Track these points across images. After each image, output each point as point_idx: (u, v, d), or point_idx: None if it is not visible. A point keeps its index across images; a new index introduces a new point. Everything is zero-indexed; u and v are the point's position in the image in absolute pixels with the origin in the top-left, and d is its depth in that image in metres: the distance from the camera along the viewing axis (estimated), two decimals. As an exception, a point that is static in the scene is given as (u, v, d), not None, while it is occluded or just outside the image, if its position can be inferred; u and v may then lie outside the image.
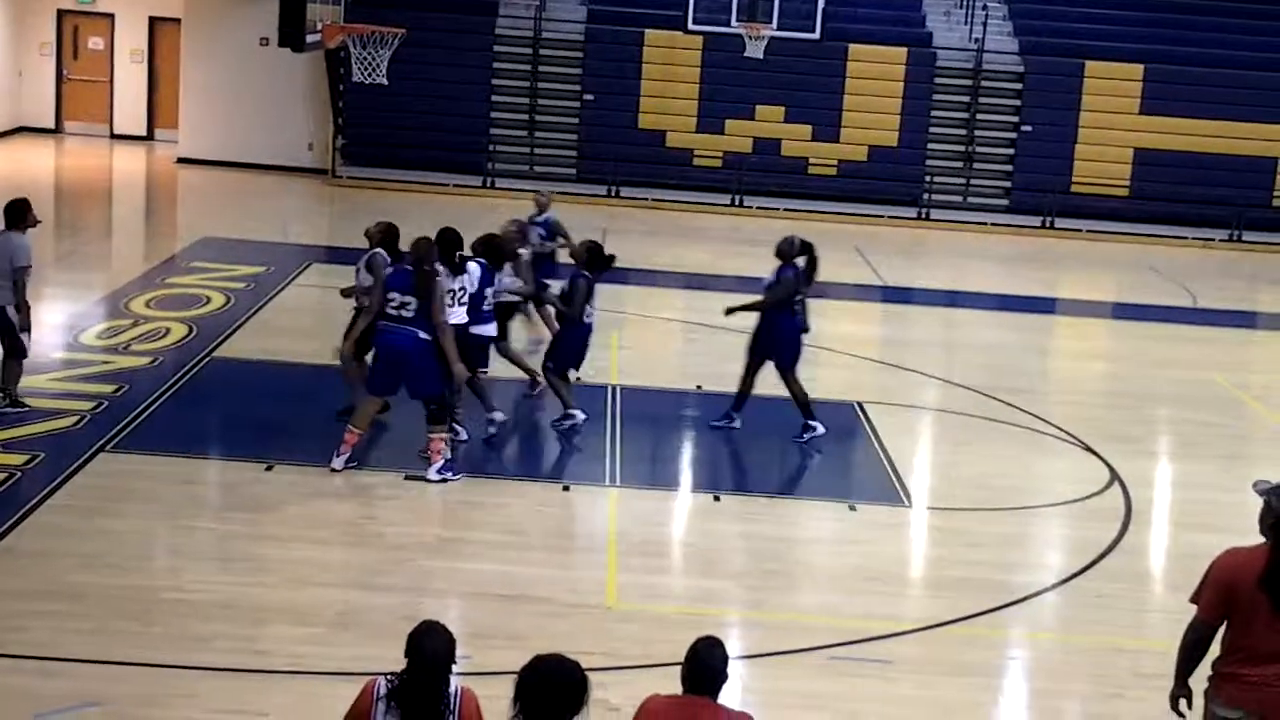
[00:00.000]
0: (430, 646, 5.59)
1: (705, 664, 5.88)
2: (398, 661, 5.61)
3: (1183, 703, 6.75)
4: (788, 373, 13.94)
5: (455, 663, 5.61)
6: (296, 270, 20.44)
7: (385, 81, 22.10)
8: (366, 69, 22.04)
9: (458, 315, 12.52)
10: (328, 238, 25.30)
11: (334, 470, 12.09)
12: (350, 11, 22.18)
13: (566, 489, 12.31)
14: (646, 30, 30.56)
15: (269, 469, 12.11)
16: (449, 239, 12.69)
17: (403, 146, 29.76)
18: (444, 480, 12.02)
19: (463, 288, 12.65)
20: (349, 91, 28.62)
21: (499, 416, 13.43)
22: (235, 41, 29.98)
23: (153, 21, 32.48)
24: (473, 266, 13.00)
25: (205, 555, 10.44)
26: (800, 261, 13.93)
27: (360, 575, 10.20)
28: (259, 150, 30.19)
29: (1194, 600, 6.69)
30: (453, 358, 11.94)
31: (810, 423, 13.90)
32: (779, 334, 13.86)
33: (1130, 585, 11.16)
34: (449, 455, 12.19)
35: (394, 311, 11.92)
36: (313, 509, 11.39)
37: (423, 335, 11.86)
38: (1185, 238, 29.22)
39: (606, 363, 16.05)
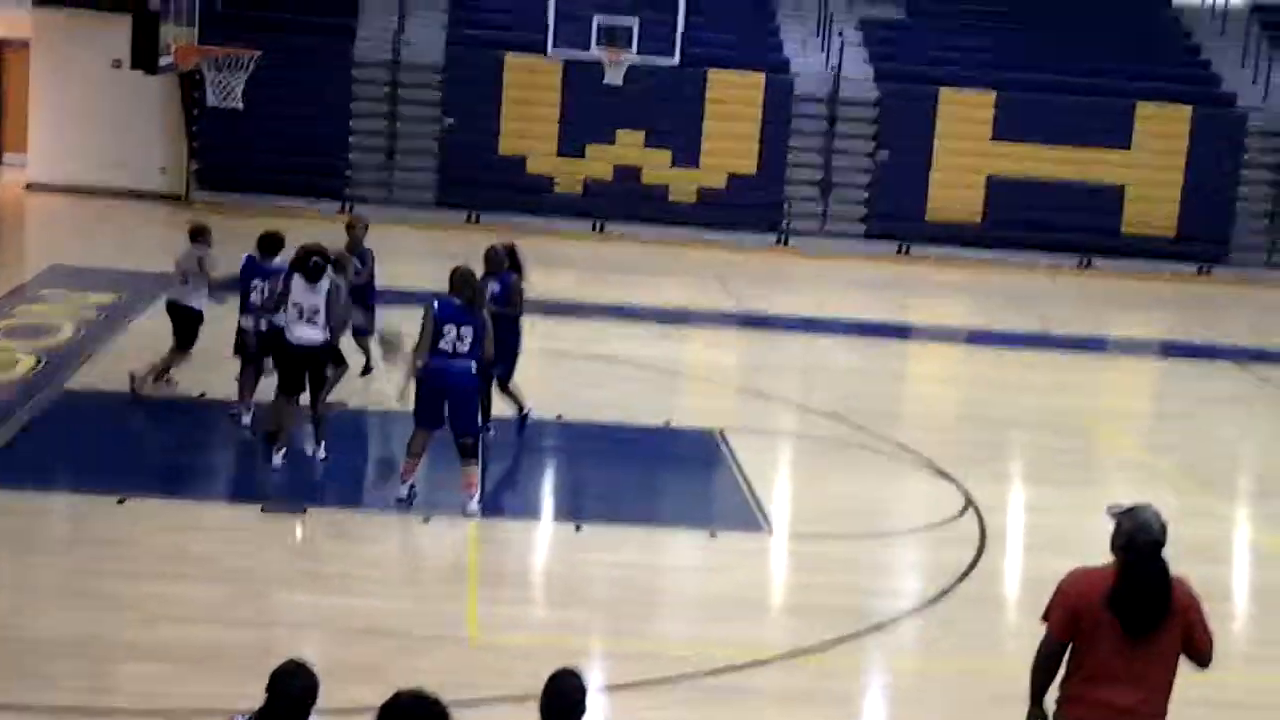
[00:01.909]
0: (293, 685, 5.52)
1: (562, 695, 5.88)
2: (253, 699, 5.51)
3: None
4: (507, 383, 14.11)
5: (315, 701, 5.53)
6: (150, 298, 20.03)
7: (241, 105, 21.82)
8: (222, 92, 21.75)
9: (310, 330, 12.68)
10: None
11: (399, 500, 12.20)
12: (205, 34, 21.84)
13: (426, 520, 12.18)
14: (507, 55, 30.53)
15: (121, 502, 11.83)
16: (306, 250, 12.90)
17: (259, 170, 29.37)
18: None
19: (316, 305, 12.70)
20: (204, 115, 28.20)
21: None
22: (86, 64, 29.38)
23: (1, 44, 31.76)
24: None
25: (52, 591, 10.17)
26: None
27: (215, 611, 10.00)
28: (111, 175, 29.61)
29: (1045, 619, 6.79)
30: None
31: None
32: (507, 345, 13.83)
33: (986, 609, 11.30)
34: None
35: (448, 345, 11.93)
36: (166, 543, 11.15)
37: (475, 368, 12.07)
38: (1037, 263, 29.80)
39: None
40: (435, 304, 12.09)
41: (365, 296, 15.50)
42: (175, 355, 14.94)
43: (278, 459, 12.95)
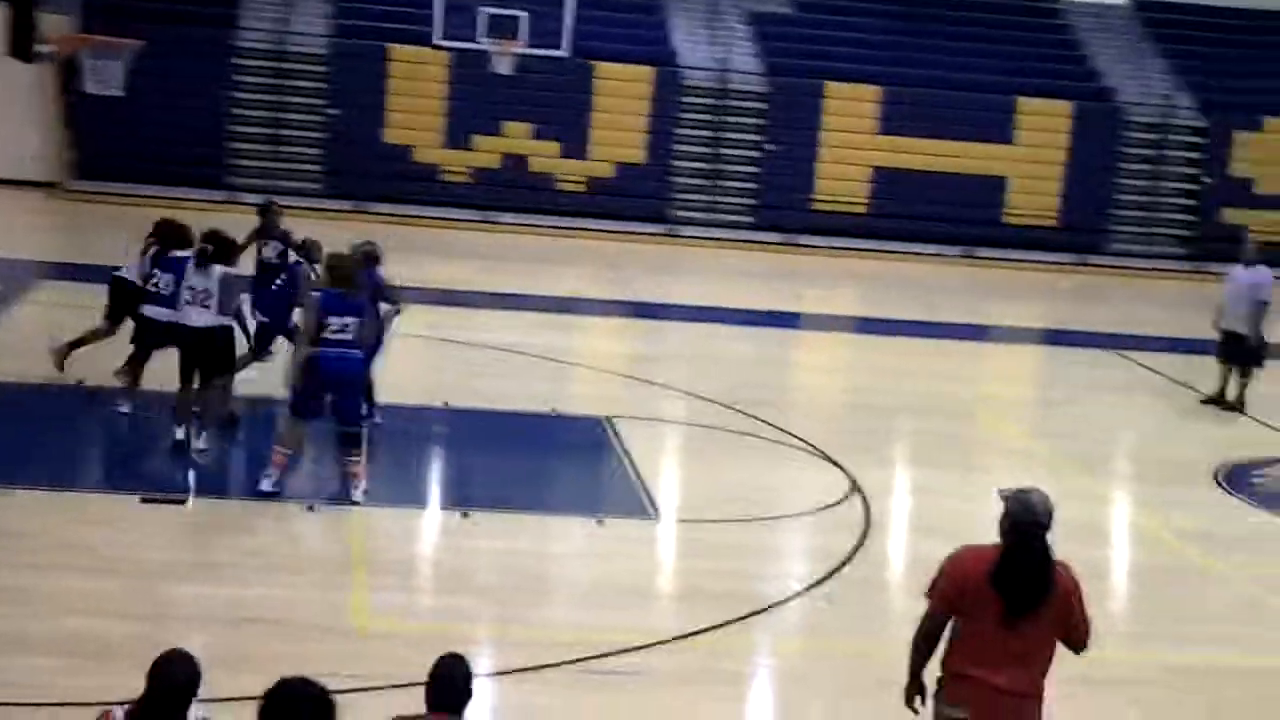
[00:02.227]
0: (170, 673, 5.44)
1: (448, 681, 5.87)
2: (138, 691, 5.42)
3: (917, 700, 6.92)
4: None
5: (197, 691, 5.45)
6: (25, 288, 19.67)
7: (121, 93, 21.47)
8: (100, 80, 21.39)
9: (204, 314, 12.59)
10: (58, 254, 24.38)
11: (264, 492, 11.86)
12: (85, 22, 21.47)
13: (311, 509, 12.06)
14: (392, 45, 30.31)
15: (9, 494, 11.59)
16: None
17: (139, 159, 28.90)
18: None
19: (205, 288, 12.54)
20: (82, 103, 27.68)
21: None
22: (-42, 50, 28.74)
23: None
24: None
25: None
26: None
27: (99, 602, 9.82)
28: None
29: (927, 594, 6.87)
30: None
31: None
32: None
33: (871, 592, 11.41)
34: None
35: (334, 335, 11.80)
36: (52, 535, 10.95)
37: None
38: (922, 253, 30.15)
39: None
40: (318, 296, 12.06)
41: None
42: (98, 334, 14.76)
43: (198, 443, 12.88)
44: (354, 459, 12.09)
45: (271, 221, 16.08)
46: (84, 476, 12.85)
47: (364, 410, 12.83)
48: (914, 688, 6.90)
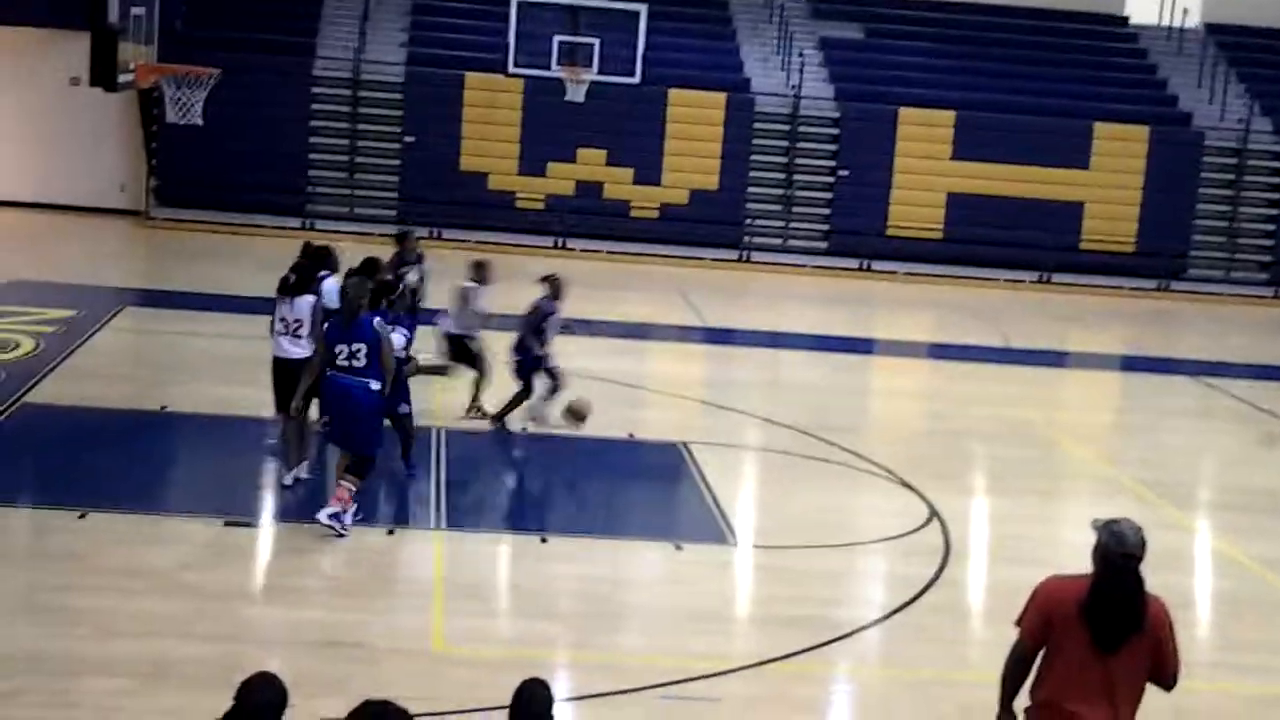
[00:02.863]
0: (259, 697, 5.48)
1: (529, 706, 5.87)
2: (214, 713, 5.46)
3: None
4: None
5: (284, 713, 5.49)
6: (109, 314, 19.94)
7: (200, 122, 21.71)
8: (181, 109, 21.63)
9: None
10: (142, 280, 24.73)
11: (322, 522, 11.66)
12: (164, 51, 21.75)
13: (391, 533, 12.12)
14: (467, 73, 30.54)
15: (82, 517, 11.73)
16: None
17: (220, 188, 29.27)
18: (330, 528, 11.64)
19: (298, 319, 12.53)
20: (163, 132, 28.08)
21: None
22: (44, 80, 29.26)
23: (-43, 59, 31.57)
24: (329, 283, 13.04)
25: (13, 607, 10.06)
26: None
27: (176, 625, 9.91)
28: (69, 191, 29.49)
29: (1018, 623, 6.78)
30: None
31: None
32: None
33: (951, 619, 11.32)
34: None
35: (344, 362, 11.63)
36: (127, 557, 11.06)
37: (374, 386, 11.67)
38: (997, 279, 29.97)
39: (431, 405, 15.89)
40: (324, 325, 11.99)
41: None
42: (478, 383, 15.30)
43: (287, 478, 12.84)
44: (343, 482, 11.75)
45: (409, 247, 16.82)
46: (163, 500, 12.95)
47: (375, 439, 12.04)
48: (1005, 717, 6.82)
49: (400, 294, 15.83)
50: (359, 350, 11.57)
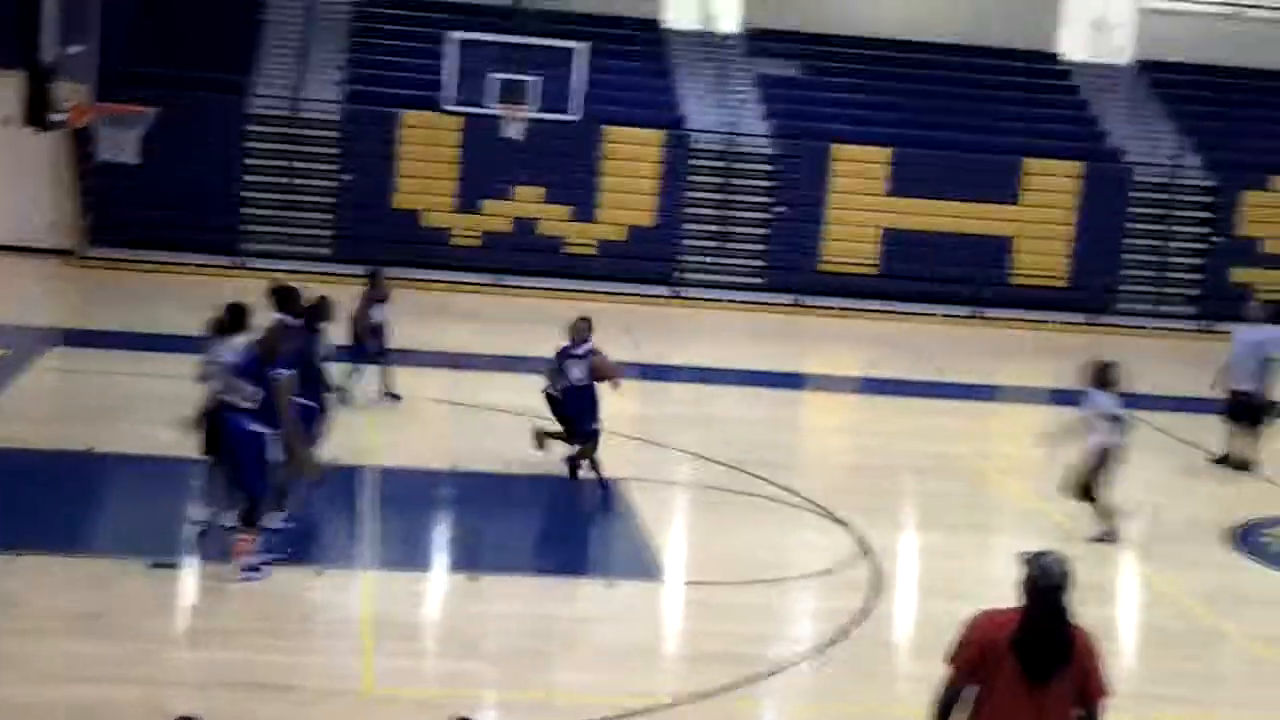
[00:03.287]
0: None
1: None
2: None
3: None
4: None
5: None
6: (38, 354, 19.78)
7: (135, 160, 21.62)
8: (115, 148, 21.53)
9: None
10: (72, 320, 24.52)
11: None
12: (100, 89, 21.66)
13: (320, 574, 12.07)
14: (404, 111, 30.55)
15: (14, 558, 11.61)
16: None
17: (154, 226, 29.11)
18: (247, 580, 11.54)
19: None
20: (97, 170, 27.90)
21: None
22: (-27, 119, 28.98)
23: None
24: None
25: (-63, 652, 9.96)
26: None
27: (105, 668, 9.84)
28: None
29: (950, 660, 6.83)
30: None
31: None
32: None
33: (881, 653, 11.39)
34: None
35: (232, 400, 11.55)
36: (54, 600, 10.98)
37: (255, 427, 11.47)
38: (930, 314, 30.20)
39: (364, 444, 15.86)
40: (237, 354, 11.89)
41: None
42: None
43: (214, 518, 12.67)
44: (240, 536, 11.59)
45: (379, 285, 17.85)
46: (90, 541, 12.85)
47: (260, 482, 11.72)
48: None
49: (373, 331, 17.10)
50: (257, 394, 11.47)
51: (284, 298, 13.56)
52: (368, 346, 17.70)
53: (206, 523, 12.41)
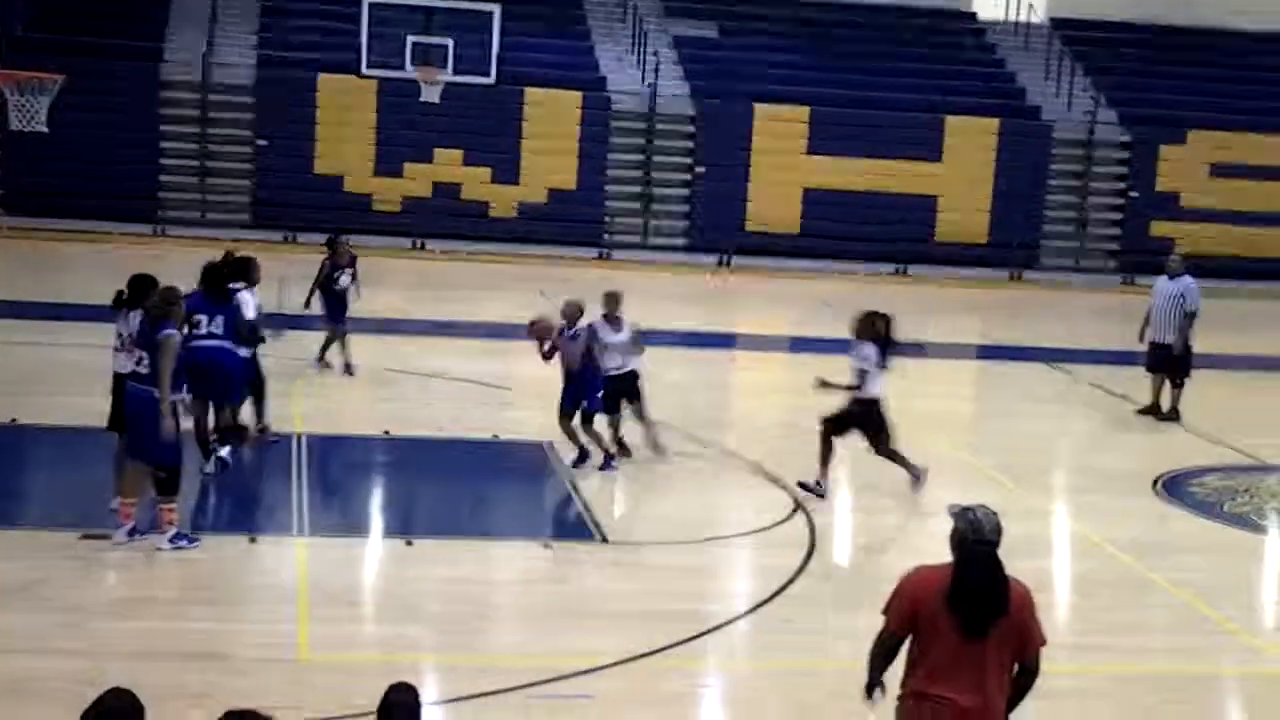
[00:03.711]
0: (110, 711, 5.33)
1: (398, 709, 5.81)
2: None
3: (877, 691, 6.85)
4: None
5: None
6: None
7: (45, 129, 21.26)
8: (25, 116, 21.18)
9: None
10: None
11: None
12: (7, 58, 21.28)
13: (253, 540, 11.94)
14: (320, 75, 30.21)
15: (-67, 534, 11.42)
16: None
17: (67, 195, 28.67)
18: (179, 549, 11.35)
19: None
20: (7, 139, 27.38)
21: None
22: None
23: None
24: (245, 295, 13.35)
25: None
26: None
27: (35, 640, 9.67)
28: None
29: (884, 612, 6.85)
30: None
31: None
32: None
33: (817, 610, 11.40)
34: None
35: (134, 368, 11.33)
36: (-19, 574, 10.78)
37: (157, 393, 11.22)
38: (854, 272, 30.31)
39: (289, 411, 15.69)
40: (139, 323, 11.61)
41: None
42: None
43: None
44: (161, 506, 11.44)
45: (341, 252, 17.68)
46: (21, 514, 12.64)
47: (168, 450, 11.41)
48: (874, 684, 6.85)
49: (339, 298, 17.23)
50: (143, 358, 11.27)
51: (209, 273, 13.41)
52: (334, 315, 17.54)
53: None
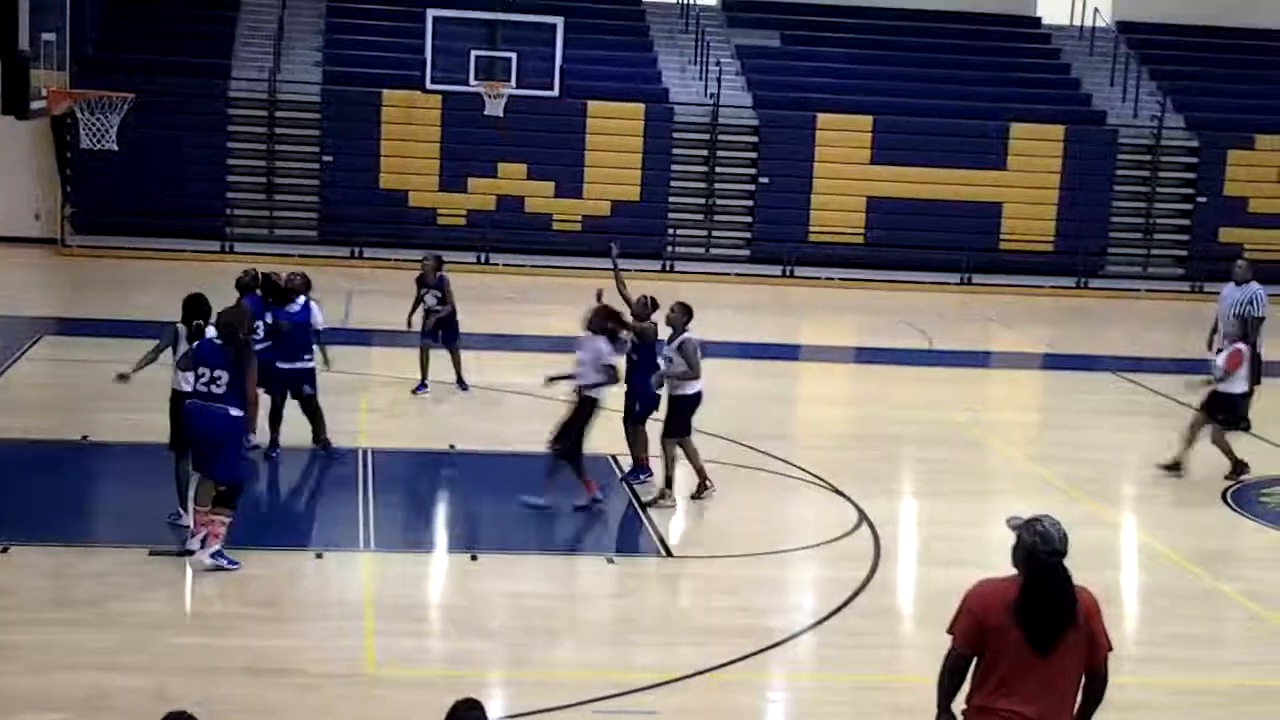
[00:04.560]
0: None
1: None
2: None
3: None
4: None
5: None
6: (27, 344, 19.68)
7: (115, 147, 21.50)
8: (95, 135, 21.41)
9: None
10: (59, 309, 24.43)
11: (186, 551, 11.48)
12: (77, 76, 21.54)
13: (319, 556, 12.04)
14: (384, 90, 30.43)
15: (4, 550, 11.57)
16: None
17: (137, 214, 29.01)
18: (218, 567, 11.41)
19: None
20: (78, 158, 27.77)
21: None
22: (-47, 109, 28.81)
23: None
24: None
25: (-63, 645, 9.91)
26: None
27: (107, 656, 9.79)
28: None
29: (950, 631, 6.80)
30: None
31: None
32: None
33: (883, 622, 11.37)
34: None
35: (203, 388, 11.31)
36: (54, 590, 10.93)
37: (234, 412, 11.29)
38: (919, 282, 30.17)
39: (356, 426, 15.81)
40: (199, 342, 11.69)
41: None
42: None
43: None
44: (215, 516, 11.39)
45: (425, 270, 17.70)
46: (90, 530, 12.80)
47: (236, 466, 11.68)
48: (944, 711, 6.82)
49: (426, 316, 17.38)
50: (220, 377, 11.28)
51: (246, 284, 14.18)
52: (426, 333, 17.63)
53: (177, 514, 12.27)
